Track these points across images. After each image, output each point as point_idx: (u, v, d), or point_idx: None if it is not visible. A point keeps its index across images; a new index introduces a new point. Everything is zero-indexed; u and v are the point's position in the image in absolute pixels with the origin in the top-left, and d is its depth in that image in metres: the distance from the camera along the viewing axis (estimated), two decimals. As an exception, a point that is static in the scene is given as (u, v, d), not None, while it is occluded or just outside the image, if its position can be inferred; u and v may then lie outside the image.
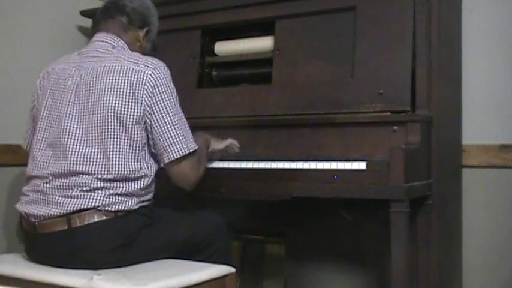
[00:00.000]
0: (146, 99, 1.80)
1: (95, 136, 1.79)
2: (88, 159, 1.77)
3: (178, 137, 1.82)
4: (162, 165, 1.88)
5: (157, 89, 1.81)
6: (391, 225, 1.83)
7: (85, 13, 2.83)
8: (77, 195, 1.75)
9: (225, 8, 2.48)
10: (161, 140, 1.82)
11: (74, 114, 1.83)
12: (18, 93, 2.57)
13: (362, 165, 1.89)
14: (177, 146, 1.82)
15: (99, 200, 1.75)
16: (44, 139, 1.87)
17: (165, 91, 1.83)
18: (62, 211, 1.74)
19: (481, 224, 2.38)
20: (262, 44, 2.45)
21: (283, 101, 2.28)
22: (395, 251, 1.83)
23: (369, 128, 2.07)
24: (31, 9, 2.67)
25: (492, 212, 2.37)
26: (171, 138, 1.82)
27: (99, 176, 1.76)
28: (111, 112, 1.78)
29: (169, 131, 1.82)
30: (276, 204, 2.20)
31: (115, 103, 1.78)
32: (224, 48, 2.56)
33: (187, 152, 1.84)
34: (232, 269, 1.85)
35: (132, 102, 1.79)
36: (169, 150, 1.82)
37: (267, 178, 2.03)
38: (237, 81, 2.53)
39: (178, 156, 1.83)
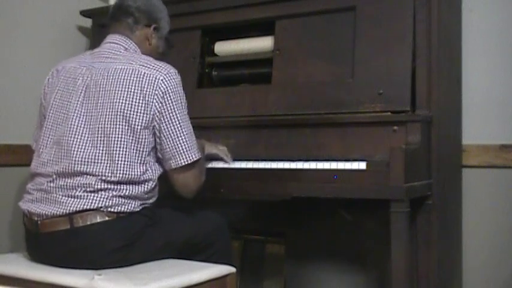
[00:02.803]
0: (156, 104, 1.80)
1: (101, 137, 1.78)
2: (92, 160, 1.77)
3: (186, 144, 1.83)
4: (167, 170, 1.87)
5: (167, 95, 1.81)
6: (391, 225, 1.83)
7: (85, 13, 2.83)
8: (81, 195, 1.75)
9: (225, 8, 2.48)
10: (169, 146, 1.82)
11: (82, 114, 1.82)
12: (18, 93, 2.58)
13: (362, 165, 1.89)
14: (184, 154, 1.82)
15: (103, 201, 1.75)
16: (50, 137, 1.87)
17: (176, 97, 1.82)
18: (64, 210, 1.74)
19: (481, 224, 2.38)
20: (262, 44, 2.45)
21: (283, 101, 2.28)
22: (395, 251, 1.83)
23: (369, 128, 2.07)
24: (31, 9, 2.67)
25: (492, 212, 2.37)
26: (179, 145, 1.82)
27: (103, 178, 1.76)
28: (120, 114, 1.77)
29: (178, 138, 1.81)
30: (276, 204, 2.20)
31: (125, 106, 1.78)
32: (224, 48, 2.56)
33: (192, 160, 1.84)
34: (232, 269, 1.85)
35: (142, 106, 1.79)
36: (176, 157, 1.82)
37: (267, 178, 2.03)
38: (237, 81, 2.53)
39: (185, 163, 1.83)
